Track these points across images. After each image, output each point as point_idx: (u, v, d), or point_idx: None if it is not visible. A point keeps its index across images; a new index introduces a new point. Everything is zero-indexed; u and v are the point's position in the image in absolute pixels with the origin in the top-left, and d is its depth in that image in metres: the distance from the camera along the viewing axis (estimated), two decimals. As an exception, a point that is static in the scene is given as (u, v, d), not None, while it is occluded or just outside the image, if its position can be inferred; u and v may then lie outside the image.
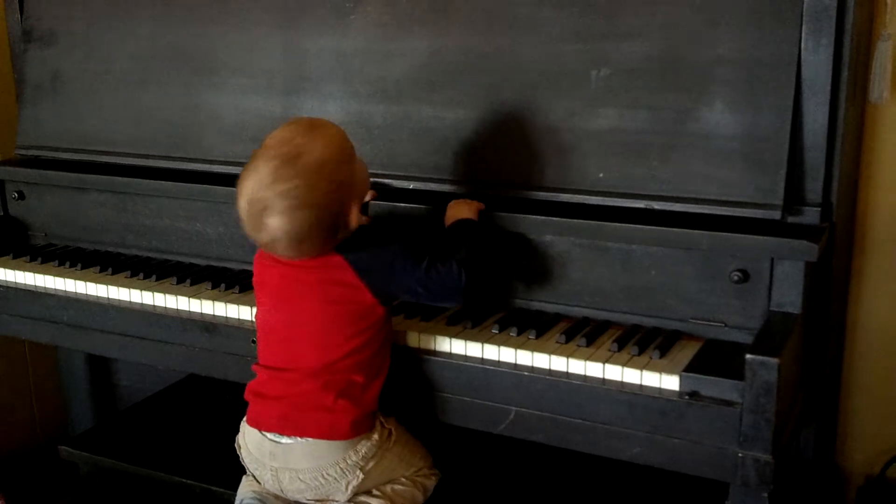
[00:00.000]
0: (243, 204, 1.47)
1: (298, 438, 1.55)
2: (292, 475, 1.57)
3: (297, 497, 1.60)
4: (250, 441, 1.62)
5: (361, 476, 1.57)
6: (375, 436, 1.58)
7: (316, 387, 1.53)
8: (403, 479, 1.64)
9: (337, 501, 1.59)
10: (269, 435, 1.58)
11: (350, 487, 1.57)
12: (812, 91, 1.54)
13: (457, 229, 1.62)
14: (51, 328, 1.99)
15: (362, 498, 1.59)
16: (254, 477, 1.65)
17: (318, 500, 1.60)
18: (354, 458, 1.55)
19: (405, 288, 1.54)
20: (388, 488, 1.62)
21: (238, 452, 1.66)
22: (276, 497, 1.62)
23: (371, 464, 1.57)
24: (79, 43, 2.20)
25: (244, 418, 1.64)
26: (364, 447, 1.56)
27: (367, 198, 1.66)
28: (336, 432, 1.53)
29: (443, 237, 1.62)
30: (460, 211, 1.66)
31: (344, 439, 1.54)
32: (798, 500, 1.82)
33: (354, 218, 1.52)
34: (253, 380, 1.62)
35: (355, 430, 1.54)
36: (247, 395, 1.62)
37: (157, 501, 2.06)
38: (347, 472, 1.56)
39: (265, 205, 1.45)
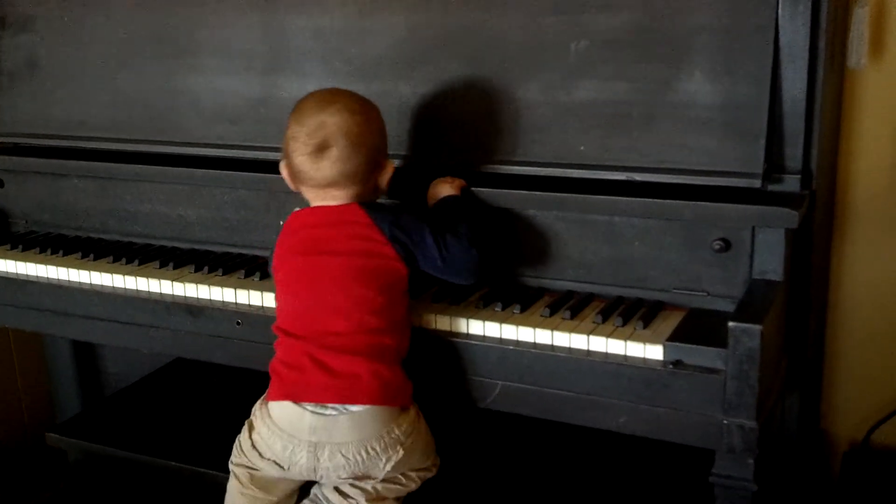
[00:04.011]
0: (307, 109, 1.60)
1: (343, 409, 1.52)
2: (333, 450, 1.53)
3: (332, 476, 1.55)
4: (284, 417, 1.56)
5: (402, 452, 1.55)
6: (412, 411, 1.58)
7: (352, 350, 1.52)
8: (411, 473, 1.61)
9: (374, 478, 1.56)
10: (308, 406, 1.54)
11: (390, 463, 1.54)
12: (790, 58, 1.54)
13: (449, 206, 1.63)
14: (34, 315, 1.98)
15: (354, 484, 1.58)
16: (276, 463, 1.58)
17: (354, 478, 1.56)
18: (397, 432, 1.54)
19: (427, 255, 1.57)
20: (382, 485, 1.59)
21: (249, 437, 1.61)
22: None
23: (410, 440, 1.56)
24: (55, 28, 2.18)
25: (259, 401, 1.61)
26: (405, 422, 1.55)
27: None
28: (383, 397, 1.52)
29: (435, 215, 1.62)
30: (444, 189, 1.67)
31: (390, 405, 1.53)
32: (784, 467, 1.83)
33: (387, 173, 1.64)
34: (278, 353, 1.59)
35: (401, 397, 1.55)
36: (274, 369, 1.59)
37: (146, 485, 2.06)
38: (389, 448, 1.54)
39: (332, 104, 1.59)
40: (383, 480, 1.57)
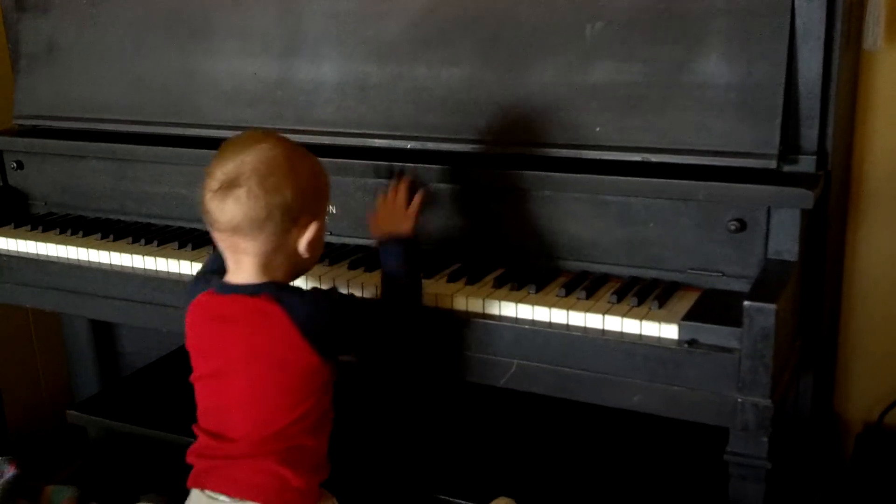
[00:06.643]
0: (230, 147, 1.47)
1: (240, 501, 1.46)
2: None
3: None
4: None
5: None
6: None
7: (260, 457, 1.45)
8: None
9: None
10: (209, 493, 1.48)
11: None
12: (806, 39, 1.55)
13: (394, 258, 1.58)
14: (54, 295, 2.00)
15: None
16: None
17: None
18: None
19: (349, 343, 1.52)
20: None
21: None
22: None
23: None
24: (73, 10, 2.19)
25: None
26: None
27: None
28: (281, 501, 1.46)
29: (382, 265, 1.59)
30: (396, 222, 1.61)
31: None
32: (797, 448, 1.84)
33: (308, 234, 1.47)
34: (194, 443, 1.53)
35: (302, 501, 1.48)
36: (188, 459, 1.52)
37: (165, 461, 2.09)
38: None
39: (258, 143, 1.46)
40: None
